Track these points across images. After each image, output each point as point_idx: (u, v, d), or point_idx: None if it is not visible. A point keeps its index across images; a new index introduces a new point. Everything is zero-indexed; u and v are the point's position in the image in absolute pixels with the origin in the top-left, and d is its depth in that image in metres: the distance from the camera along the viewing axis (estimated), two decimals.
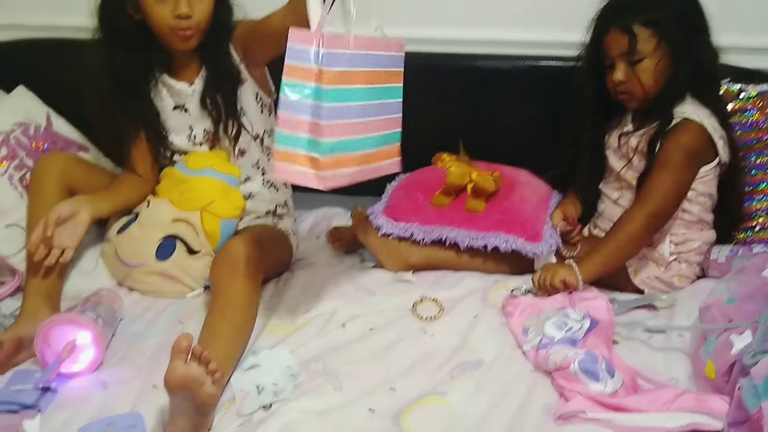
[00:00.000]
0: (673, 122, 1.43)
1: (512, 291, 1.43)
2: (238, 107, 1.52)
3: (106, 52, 1.46)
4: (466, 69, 1.80)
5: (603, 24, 1.46)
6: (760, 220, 1.55)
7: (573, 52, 1.73)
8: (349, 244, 1.66)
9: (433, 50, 1.81)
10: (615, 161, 1.55)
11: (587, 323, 1.26)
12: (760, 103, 1.59)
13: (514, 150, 1.77)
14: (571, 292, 1.38)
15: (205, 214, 1.48)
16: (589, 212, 1.62)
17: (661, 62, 1.42)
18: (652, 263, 1.50)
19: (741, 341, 1.11)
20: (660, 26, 1.41)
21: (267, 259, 1.45)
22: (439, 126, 1.80)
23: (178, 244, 1.46)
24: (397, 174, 1.76)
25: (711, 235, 1.52)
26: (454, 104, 1.81)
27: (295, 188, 1.73)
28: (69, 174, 1.51)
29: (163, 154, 1.57)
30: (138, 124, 1.53)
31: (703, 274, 1.54)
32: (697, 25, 1.45)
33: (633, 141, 1.50)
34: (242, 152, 1.57)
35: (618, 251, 1.42)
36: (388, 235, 1.57)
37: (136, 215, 1.52)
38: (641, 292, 1.50)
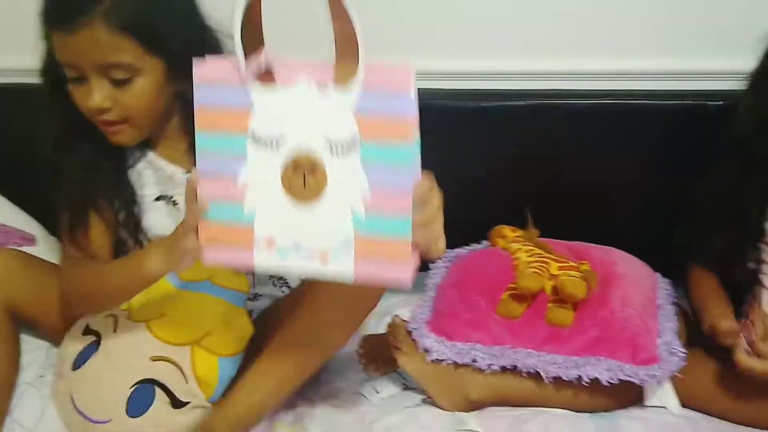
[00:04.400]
0: None
1: None
2: None
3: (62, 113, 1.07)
4: (525, 111, 1.35)
5: None
6: None
7: (672, 85, 1.32)
8: (387, 363, 1.23)
9: (476, 87, 1.37)
10: None
11: None
12: None
13: (593, 218, 1.35)
14: None
15: (197, 351, 1.05)
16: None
17: None
18: None
19: None
20: None
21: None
22: (494, 188, 1.37)
23: (158, 394, 1.04)
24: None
25: None
26: (513, 159, 1.37)
27: None
28: (10, 284, 1.10)
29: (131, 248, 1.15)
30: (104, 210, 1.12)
31: None
32: None
33: None
34: None
35: None
36: (441, 360, 1.15)
37: (97, 337, 1.09)
38: None
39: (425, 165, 1.33)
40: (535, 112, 1.36)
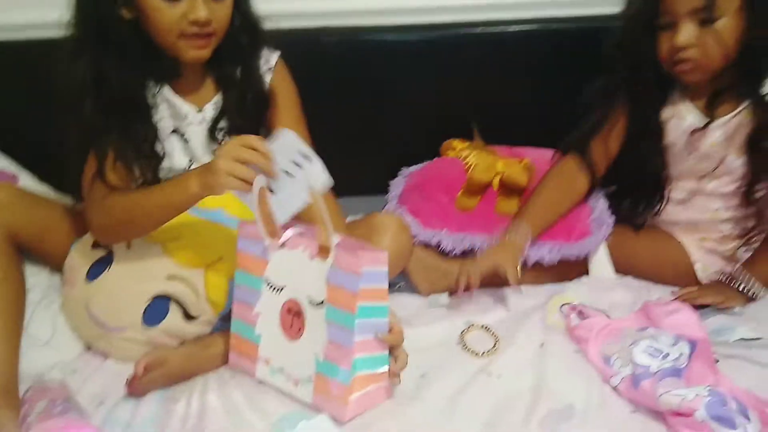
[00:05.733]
0: None
1: (561, 306, 1.22)
2: None
3: (92, 60, 1.11)
4: (467, 40, 1.52)
5: None
6: None
7: (591, 11, 1.52)
8: None
9: (428, 21, 1.53)
10: (681, 158, 1.26)
11: (686, 347, 1.06)
12: None
13: (531, 131, 1.52)
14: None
15: (210, 275, 1.14)
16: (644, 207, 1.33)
17: (741, 22, 1.12)
18: (721, 259, 1.30)
19: None
20: None
21: None
22: (441, 108, 1.54)
23: (173, 307, 1.13)
24: (400, 168, 1.53)
25: None
26: (457, 83, 1.53)
27: None
28: (9, 213, 1.16)
29: (149, 182, 1.19)
30: (128, 145, 1.15)
31: None
32: None
33: (713, 136, 1.22)
34: None
35: None
36: (414, 236, 1.30)
37: (109, 253, 1.17)
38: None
39: (380, 94, 1.50)
40: (470, 39, 1.53)
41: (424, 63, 1.53)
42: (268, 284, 1.05)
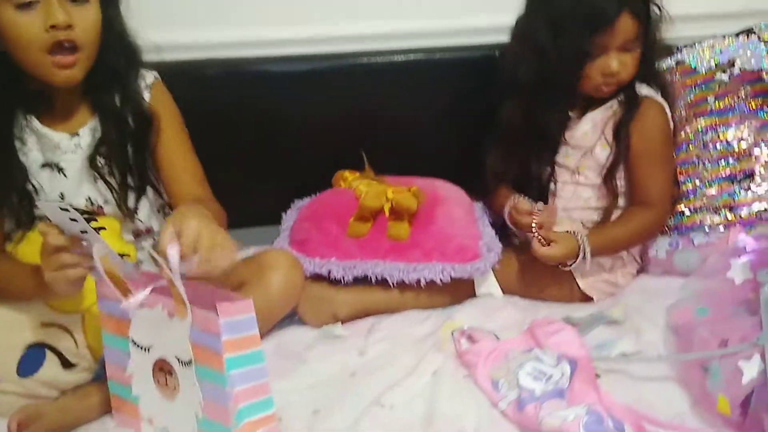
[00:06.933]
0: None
1: (452, 333, 1.24)
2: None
3: None
4: (353, 70, 1.54)
5: (608, 10, 1.23)
6: (692, 203, 1.45)
7: (476, 40, 1.56)
8: None
9: (313, 51, 1.54)
10: (560, 153, 1.38)
11: (567, 368, 1.10)
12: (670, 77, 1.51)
13: (420, 158, 1.55)
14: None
15: (88, 318, 1.09)
16: None
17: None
18: (596, 265, 1.36)
19: (750, 368, 0.99)
20: (646, 5, 1.29)
21: None
22: (331, 140, 1.54)
23: (49, 355, 1.09)
24: (292, 200, 1.52)
25: None
26: (346, 113, 1.54)
27: None
28: None
29: (23, 222, 1.14)
30: None
31: (641, 268, 1.44)
32: None
33: (583, 127, 1.35)
34: (147, 231, 1.23)
35: (627, 242, 1.35)
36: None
37: None
38: (589, 298, 1.38)
39: (268, 125, 1.49)
40: (357, 69, 1.54)
41: (311, 93, 1.52)
42: (134, 344, 1.01)
